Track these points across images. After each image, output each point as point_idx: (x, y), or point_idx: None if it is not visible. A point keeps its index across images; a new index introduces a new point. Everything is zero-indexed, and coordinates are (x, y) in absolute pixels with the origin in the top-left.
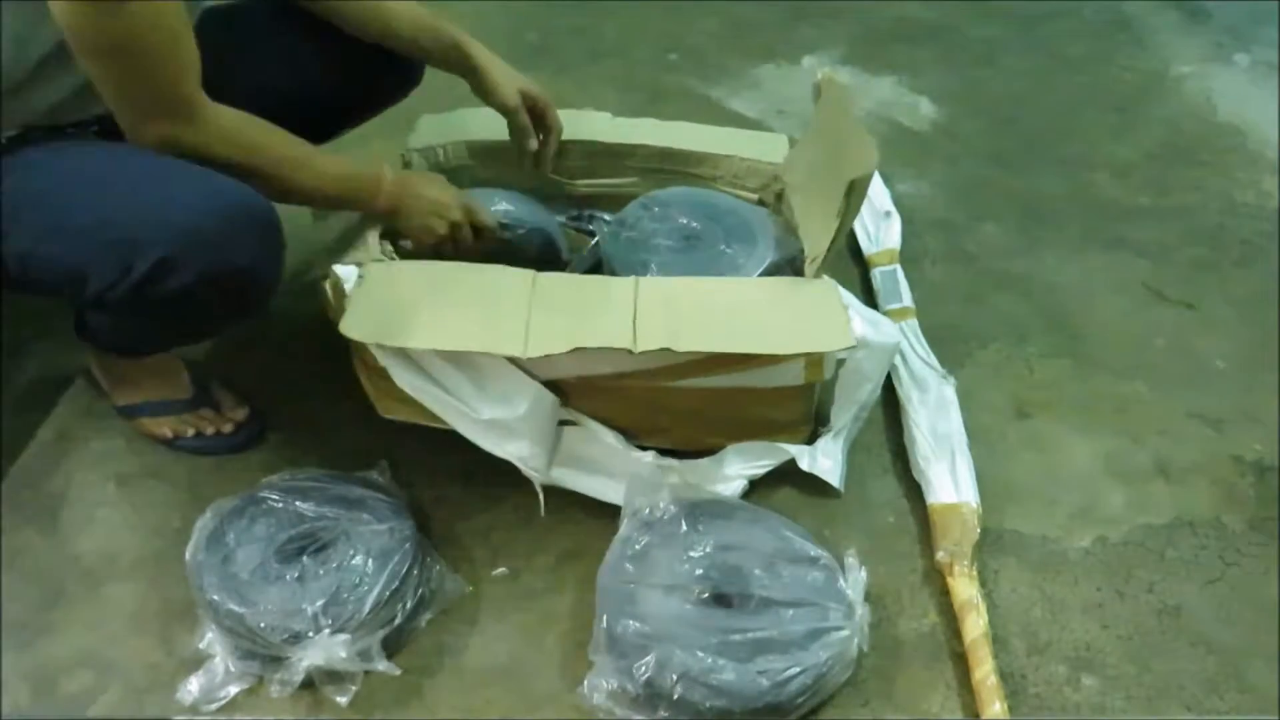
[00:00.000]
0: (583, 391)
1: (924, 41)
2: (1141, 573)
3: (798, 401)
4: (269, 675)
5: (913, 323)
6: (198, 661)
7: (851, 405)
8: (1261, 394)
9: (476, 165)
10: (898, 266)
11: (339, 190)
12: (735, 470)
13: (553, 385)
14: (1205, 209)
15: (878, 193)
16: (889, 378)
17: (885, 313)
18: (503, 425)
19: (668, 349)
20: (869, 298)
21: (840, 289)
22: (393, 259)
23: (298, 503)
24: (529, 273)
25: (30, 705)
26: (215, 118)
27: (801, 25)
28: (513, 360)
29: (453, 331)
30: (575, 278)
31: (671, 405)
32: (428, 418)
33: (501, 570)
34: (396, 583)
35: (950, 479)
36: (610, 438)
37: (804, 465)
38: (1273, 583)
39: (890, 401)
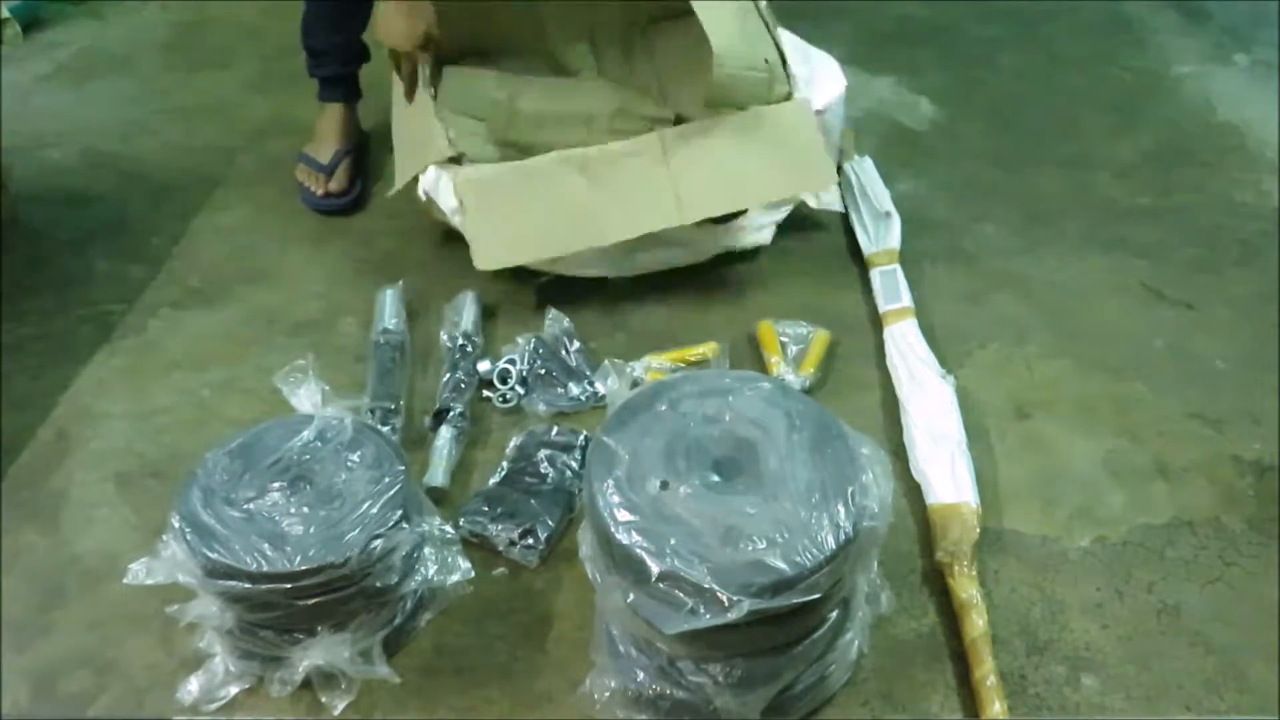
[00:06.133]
0: None
1: (924, 41)
2: (1141, 573)
3: None
4: (269, 675)
5: (913, 323)
6: (198, 661)
7: (833, 149)
8: (1261, 394)
9: None
10: (897, 266)
11: None
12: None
13: None
14: (1205, 209)
15: (878, 193)
16: (889, 378)
17: (885, 313)
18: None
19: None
20: (869, 297)
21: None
22: (458, 157)
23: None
24: (580, 178)
25: (30, 705)
26: None
27: (801, 25)
28: None
29: (554, 239)
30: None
31: None
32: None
33: (501, 570)
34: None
35: (950, 479)
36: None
37: (812, 204)
38: (1273, 583)
39: (890, 401)
